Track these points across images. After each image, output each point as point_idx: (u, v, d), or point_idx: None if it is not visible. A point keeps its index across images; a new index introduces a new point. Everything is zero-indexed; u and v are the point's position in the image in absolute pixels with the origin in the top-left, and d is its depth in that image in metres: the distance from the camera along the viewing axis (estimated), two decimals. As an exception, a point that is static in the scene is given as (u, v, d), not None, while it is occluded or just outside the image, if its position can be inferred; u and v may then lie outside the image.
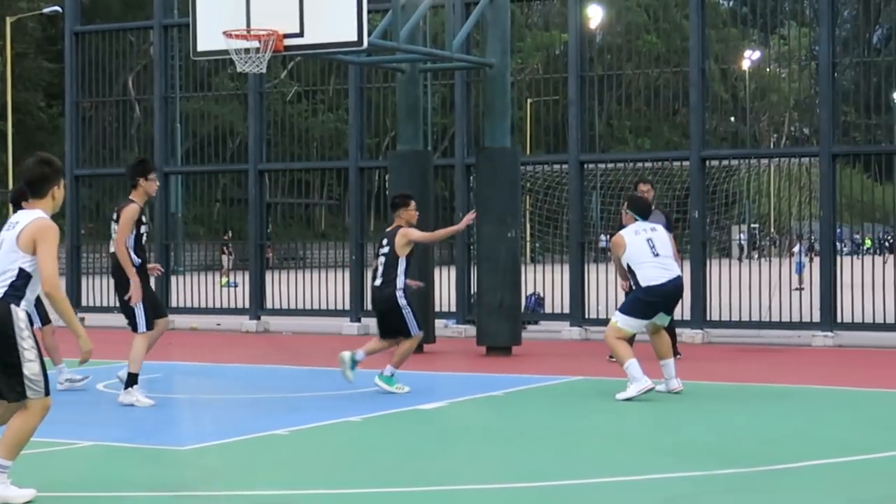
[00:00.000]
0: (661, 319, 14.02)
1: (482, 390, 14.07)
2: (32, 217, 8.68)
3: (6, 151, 53.43)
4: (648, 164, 24.97)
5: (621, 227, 14.29)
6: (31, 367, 8.51)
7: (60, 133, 50.53)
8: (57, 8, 48.53)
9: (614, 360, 14.16)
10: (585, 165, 22.53)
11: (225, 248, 43.95)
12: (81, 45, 25.97)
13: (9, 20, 53.05)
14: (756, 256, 40.44)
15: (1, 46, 54.50)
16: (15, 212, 14.15)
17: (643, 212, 14.19)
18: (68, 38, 26.02)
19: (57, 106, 56.11)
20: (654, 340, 14.05)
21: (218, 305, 25.25)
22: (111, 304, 24.82)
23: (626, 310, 13.81)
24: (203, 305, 25.18)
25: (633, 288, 13.96)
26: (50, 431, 11.42)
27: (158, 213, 24.83)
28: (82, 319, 24.76)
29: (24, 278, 8.56)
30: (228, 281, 28.72)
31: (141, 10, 53.89)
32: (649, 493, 9.06)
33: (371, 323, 22.76)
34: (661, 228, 14.16)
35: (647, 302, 13.72)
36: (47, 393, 8.58)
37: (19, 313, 8.51)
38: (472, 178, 22.43)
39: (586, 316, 21.66)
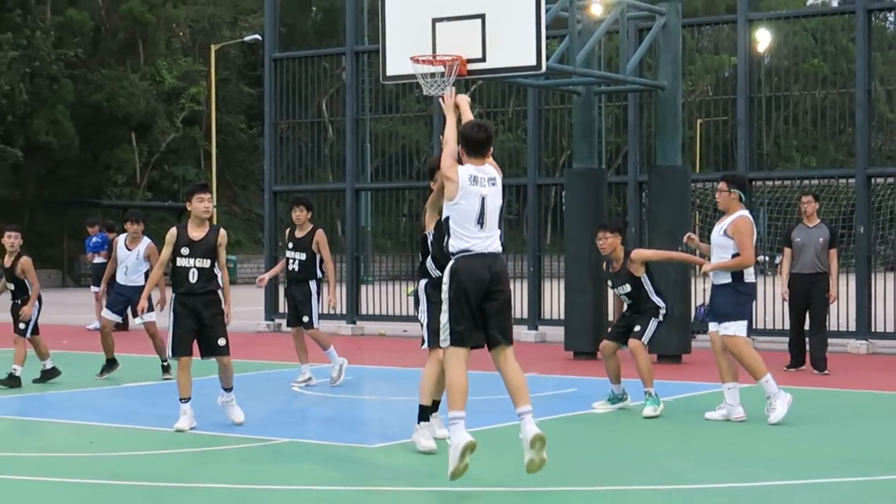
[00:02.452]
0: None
1: (653, 396, 13.93)
2: None
3: (210, 168, 54.59)
4: (815, 182, 24.52)
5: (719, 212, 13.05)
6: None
7: (259, 152, 51.46)
8: (257, 36, 49.40)
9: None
10: (754, 183, 22.24)
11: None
12: (279, 71, 26.41)
13: (213, 48, 54.12)
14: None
15: (205, 73, 55.69)
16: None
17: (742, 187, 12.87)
18: (267, 64, 26.49)
19: (256, 127, 57.11)
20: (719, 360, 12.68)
21: (404, 313, 25.41)
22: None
23: (738, 315, 12.47)
24: (390, 313, 25.38)
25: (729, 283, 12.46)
26: (248, 429, 11.67)
27: (349, 227, 25.11)
28: (279, 326, 25.14)
29: None
30: (414, 290, 28.91)
31: (333, 37, 54.68)
32: (817, 497, 8.91)
33: (546, 331, 22.80)
34: None
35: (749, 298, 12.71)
36: None
37: None
38: (643, 194, 22.30)
39: (752, 327, 21.42)
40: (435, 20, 16.79)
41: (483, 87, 33.28)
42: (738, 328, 12.37)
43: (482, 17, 16.57)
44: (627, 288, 13.23)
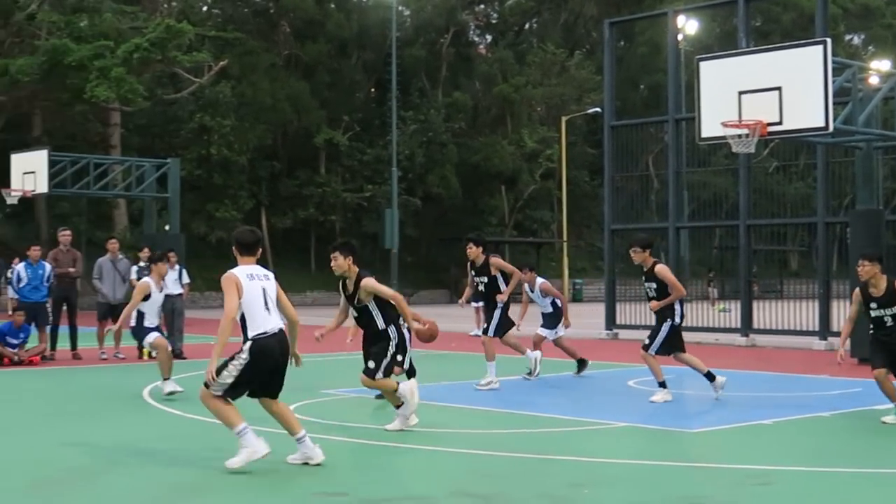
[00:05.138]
0: None
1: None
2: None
3: (562, 212, 54.98)
4: None
5: None
6: None
7: (599, 199, 51.56)
8: (597, 109, 49.66)
9: None
10: None
11: (710, 283, 45.32)
12: (615, 135, 26.42)
13: (563, 119, 54.61)
14: None
15: (558, 138, 56.25)
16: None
17: None
18: (606, 130, 26.53)
19: (597, 179, 57.28)
20: None
21: (715, 325, 24.98)
22: (641, 323, 24.99)
23: None
24: (702, 325, 24.95)
25: None
26: (592, 414, 11.69)
27: (672, 258, 24.76)
28: (616, 334, 25.09)
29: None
30: (724, 307, 28.28)
31: (657, 108, 54.21)
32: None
33: (834, 341, 21.88)
34: None
35: None
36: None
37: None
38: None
39: None
40: (740, 92, 16.51)
41: (779, 144, 32.36)
42: None
43: (779, 89, 16.19)
44: (893, 310, 11.34)
